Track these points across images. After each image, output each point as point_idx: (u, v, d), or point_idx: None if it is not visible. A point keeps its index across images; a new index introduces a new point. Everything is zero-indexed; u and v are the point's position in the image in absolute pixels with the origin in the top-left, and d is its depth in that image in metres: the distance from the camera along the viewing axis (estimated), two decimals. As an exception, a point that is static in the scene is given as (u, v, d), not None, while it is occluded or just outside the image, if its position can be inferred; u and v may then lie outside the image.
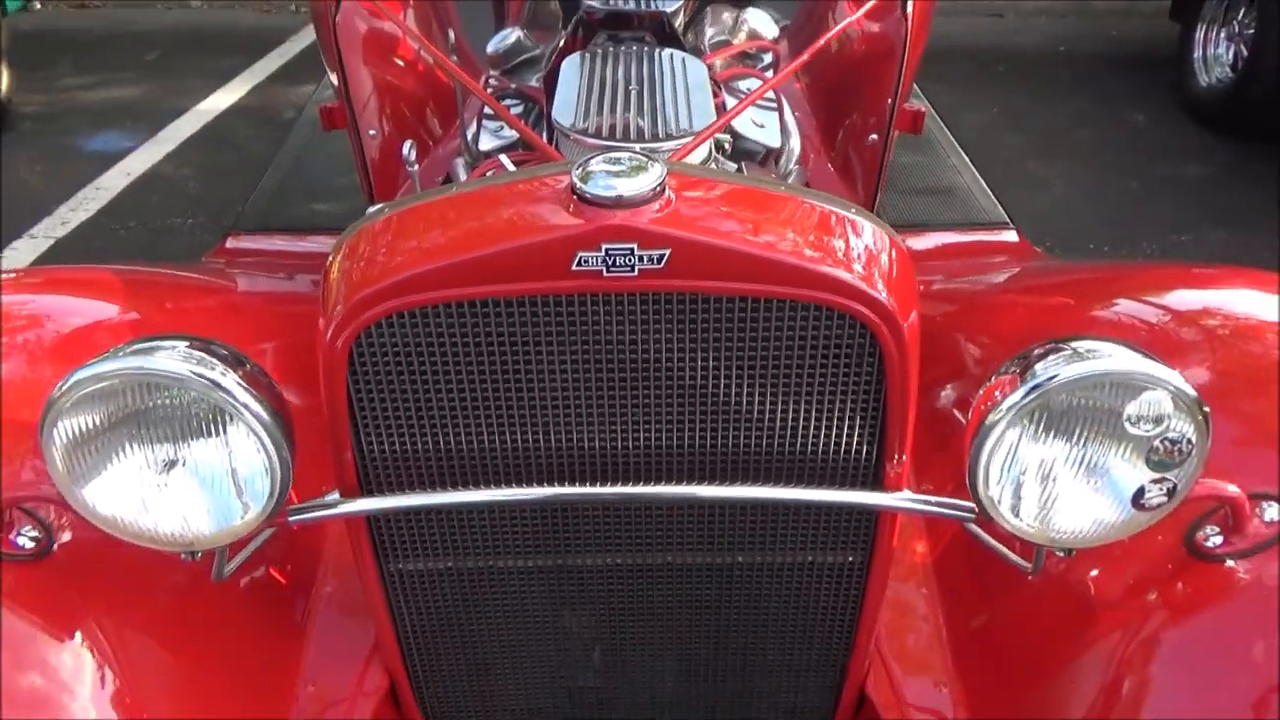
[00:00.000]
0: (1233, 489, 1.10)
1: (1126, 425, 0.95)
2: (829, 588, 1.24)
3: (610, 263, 0.95)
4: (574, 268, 0.96)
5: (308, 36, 5.52)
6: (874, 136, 2.10)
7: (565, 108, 1.55)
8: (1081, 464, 0.99)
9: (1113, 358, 0.94)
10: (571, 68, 1.69)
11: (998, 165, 4.06)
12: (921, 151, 3.17)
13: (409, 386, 1.05)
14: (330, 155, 2.97)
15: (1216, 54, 4.56)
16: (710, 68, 1.94)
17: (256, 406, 0.97)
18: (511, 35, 2.12)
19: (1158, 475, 0.98)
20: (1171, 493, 1.00)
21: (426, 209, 1.06)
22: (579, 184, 0.95)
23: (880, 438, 1.10)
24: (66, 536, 1.16)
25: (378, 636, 1.31)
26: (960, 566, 1.45)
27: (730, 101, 2.05)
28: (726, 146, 1.88)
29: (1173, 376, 0.95)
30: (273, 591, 1.37)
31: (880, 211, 2.58)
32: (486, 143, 1.93)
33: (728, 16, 2.38)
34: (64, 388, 0.93)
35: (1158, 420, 0.95)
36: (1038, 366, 0.97)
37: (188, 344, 0.99)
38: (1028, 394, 0.95)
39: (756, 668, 1.35)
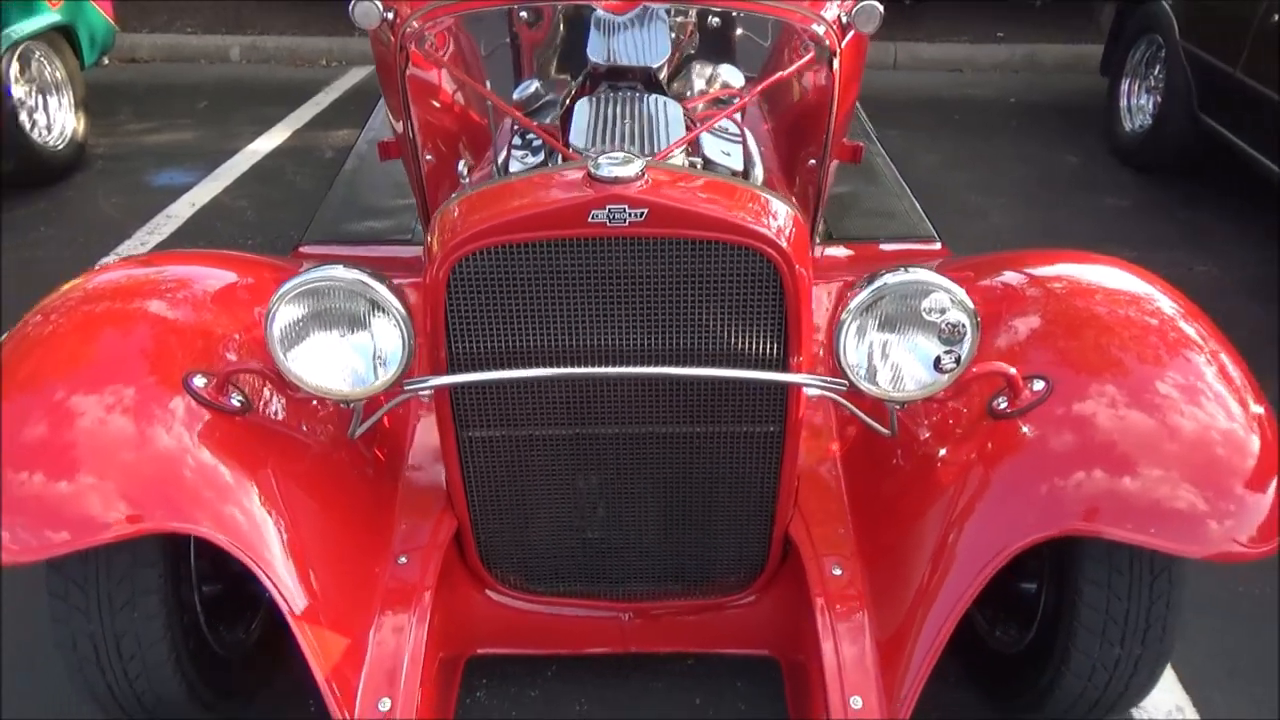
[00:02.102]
0: (1011, 370, 1.71)
1: (923, 314, 1.57)
2: (759, 452, 1.84)
3: (611, 217, 1.57)
4: (589, 220, 1.57)
5: (338, 89, 6.23)
6: (812, 161, 2.74)
7: (579, 134, 2.18)
8: (902, 342, 1.60)
9: (913, 273, 1.56)
10: (582, 108, 2.32)
11: (944, 197, 4.72)
12: (872, 183, 3.80)
13: (484, 303, 1.65)
14: (378, 182, 3.59)
15: (1139, 103, 5.24)
16: (690, 110, 2.57)
17: (397, 303, 1.58)
18: (531, 85, 2.74)
19: (947, 348, 1.59)
20: (958, 361, 1.60)
21: (494, 190, 1.67)
22: (592, 170, 1.57)
23: (784, 339, 1.70)
24: (259, 402, 1.76)
25: (450, 491, 1.89)
26: (859, 455, 2.04)
27: (705, 135, 2.68)
28: (698, 167, 2.51)
29: (951, 286, 1.56)
30: (379, 459, 1.97)
31: (825, 223, 3.21)
32: (514, 166, 2.56)
33: (707, 70, 3.03)
34: (284, 288, 1.54)
35: (942, 311, 1.56)
36: (875, 279, 1.58)
37: (350, 267, 1.60)
38: (867, 295, 1.56)
39: (713, 517, 1.93)
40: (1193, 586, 1.89)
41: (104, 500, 1.54)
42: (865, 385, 1.63)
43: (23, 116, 4.66)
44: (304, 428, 1.82)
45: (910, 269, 1.58)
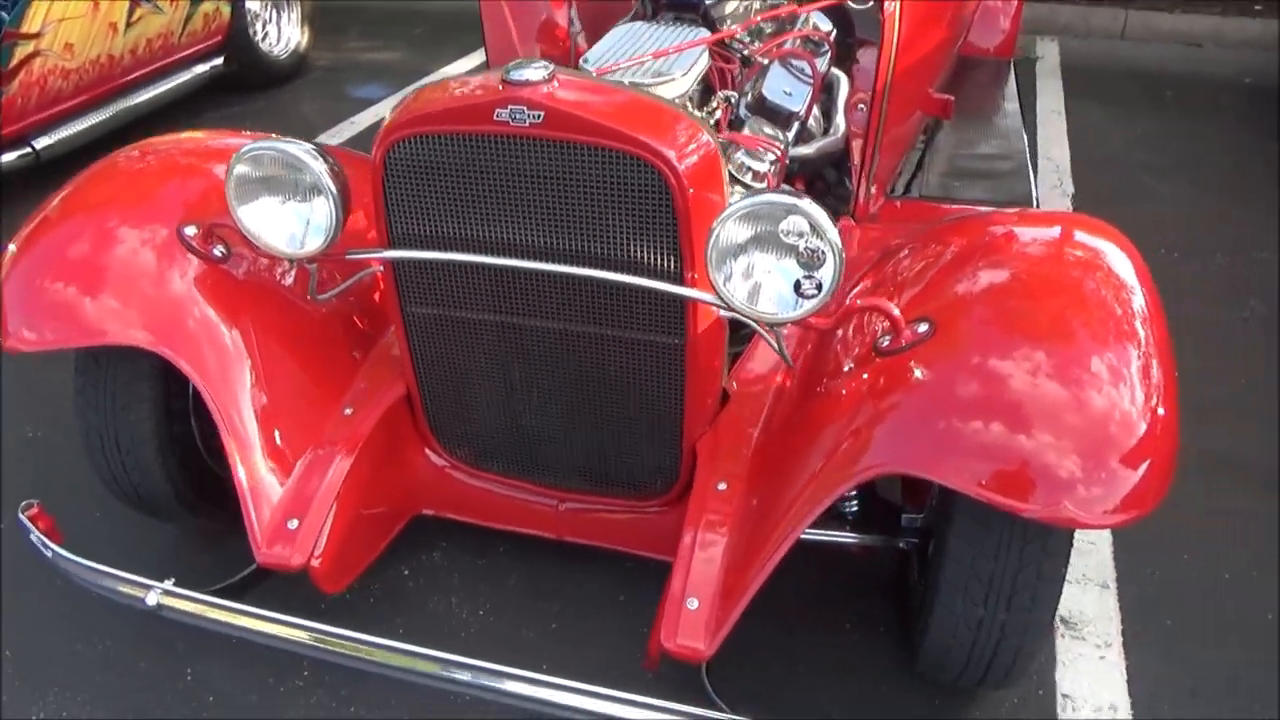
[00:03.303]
0: (894, 310, 1.69)
1: (782, 236, 1.59)
2: (663, 363, 1.92)
3: (512, 117, 1.71)
4: (494, 118, 1.72)
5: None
6: (861, 106, 2.70)
7: (596, 54, 2.31)
8: (766, 262, 1.63)
9: (779, 194, 1.58)
10: (616, 30, 2.44)
11: (1112, 176, 4.39)
12: (988, 144, 3.62)
13: (416, 187, 1.85)
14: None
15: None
16: (731, 42, 2.61)
17: (328, 181, 1.81)
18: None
19: (806, 273, 1.61)
20: (820, 288, 1.62)
21: (434, 85, 1.86)
22: (504, 75, 1.71)
23: (678, 254, 1.77)
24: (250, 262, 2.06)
25: (402, 360, 2.12)
26: (763, 389, 2.07)
27: (774, 74, 2.70)
28: (733, 99, 2.56)
29: (812, 210, 1.57)
30: (355, 327, 2.23)
31: (903, 176, 3.14)
32: None
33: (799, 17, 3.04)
34: (241, 152, 1.81)
35: (800, 235, 1.58)
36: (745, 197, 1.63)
37: (309, 145, 1.84)
38: (729, 210, 1.61)
39: (630, 423, 2.04)
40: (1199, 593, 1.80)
41: (95, 313, 1.90)
42: (732, 300, 1.68)
43: (256, 27, 5.35)
44: (284, 286, 2.11)
45: (787, 193, 1.60)
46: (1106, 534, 2.48)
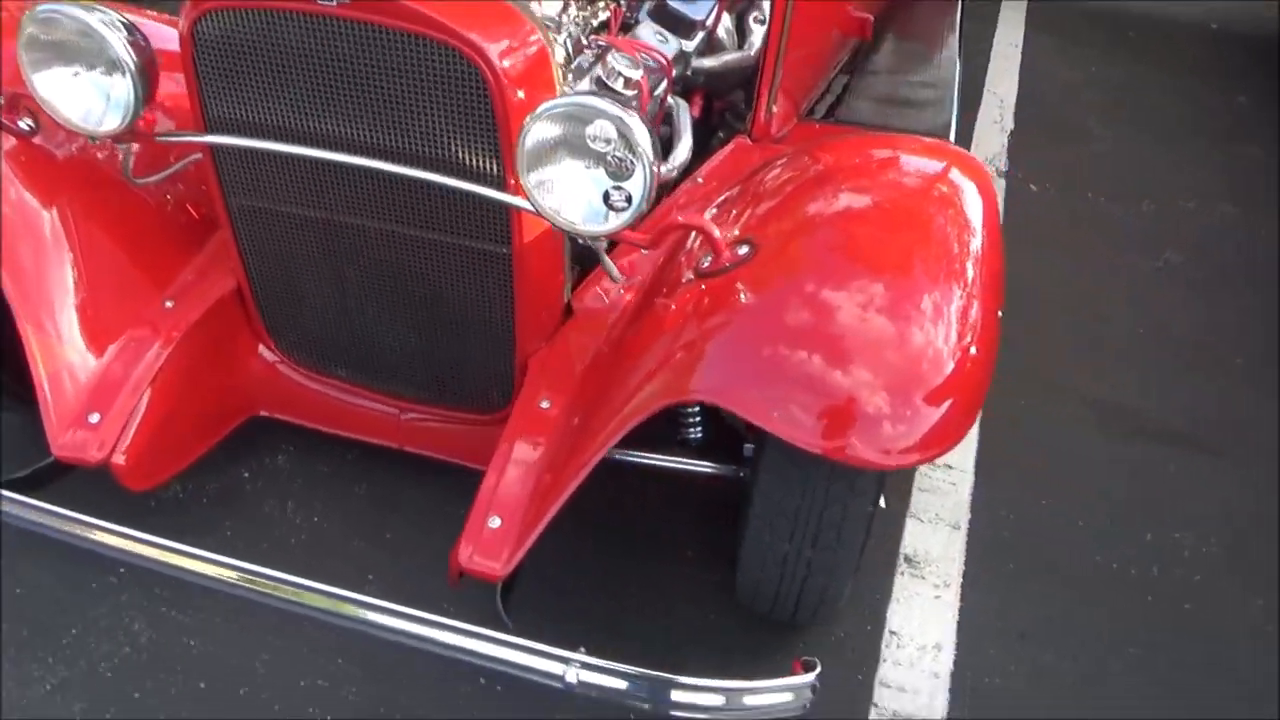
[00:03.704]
0: (715, 231, 1.60)
1: (590, 142, 1.49)
2: (491, 273, 1.83)
3: (328, -4, 1.58)
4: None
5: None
6: (756, 16, 2.57)
7: None
8: (575, 169, 1.53)
9: (590, 98, 1.47)
10: None
11: (1055, 117, 4.25)
12: (920, 72, 3.49)
13: (229, 66, 1.72)
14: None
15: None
16: None
17: (123, 54, 1.68)
18: None
19: (615, 184, 1.51)
20: (630, 200, 1.52)
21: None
22: None
23: (500, 157, 1.66)
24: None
25: (230, 254, 2.02)
26: (607, 307, 1.98)
27: None
28: (623, 2, 2.41)
29: (623, 116, 1.46)
30: (189, 216, 2.12)
31: (827, 98, 3.02)
32: None
33: None
34: (33, 12, 1.67)
35: (607, 141, 1.47)
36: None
37: (109, 11, 1.70)
38: (538, 111, 1.50)
39: (462, 333, 1.96)
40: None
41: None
42: (542, 207, 1.58)
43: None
44: (106, 168, 1.98)
45: (596, 95, 1.49)
46: (969, 474, 2.44)
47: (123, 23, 1.71)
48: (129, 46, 1.68)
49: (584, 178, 1.53)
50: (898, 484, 2.38)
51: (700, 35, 2.58)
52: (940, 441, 1.47)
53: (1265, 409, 2.69)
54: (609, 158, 1.49)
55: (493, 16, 1.63)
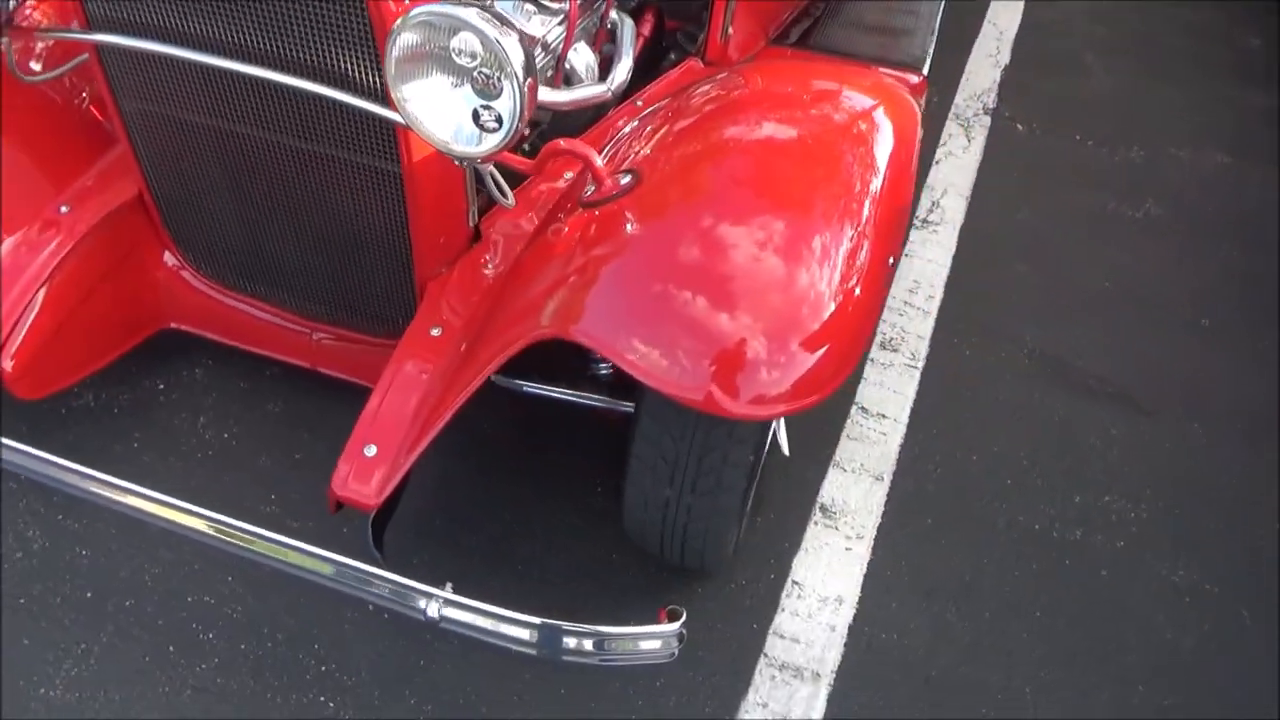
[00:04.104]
0: (596, 159, 1.52)
1: (454, 56, 1.39)
2: (383, 191, 1.75)
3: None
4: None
5: None
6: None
7: None
8: (444, 84, 1.44)
9: (456, 8, 1.37)
10: None
11: (1052, 50, 4.06)
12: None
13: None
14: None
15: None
16: None
17: None
18: None
19: (484, 103, 1.42)
20: (500, 121, 1.43)
21: None
22: None
23: (378, 65, 1.57)
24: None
25: (129, 160, 1.95)
26: (516, 234, 1.89)
27: None
28: None
29: (488, 32, 1.36)
30: (91, 118, 2.04)
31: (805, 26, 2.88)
32: None
33: None
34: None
35: (473, 56, 1.38)
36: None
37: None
38: (400, 22, 1.40)
39: (361, 253, 1.89)
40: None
41: None
42: (414, 123, 1.49)
43: None
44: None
45: (460, 7, 1.38)
46: (901, 425, 2.37)
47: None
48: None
49: (454, 95, 1.44)
50: (823, 430, 2.32)
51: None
52: (813, 390, 1.40)
53: (1224, 375, 2.60)
54: (475, 74, 1.40)
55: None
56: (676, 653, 1.53)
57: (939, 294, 2.75)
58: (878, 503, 2.20)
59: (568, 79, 2.15)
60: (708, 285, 1.40)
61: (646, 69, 2.54)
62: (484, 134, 1.46)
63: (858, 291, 1.44)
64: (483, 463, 2.19)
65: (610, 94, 2.06)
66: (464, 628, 1.54)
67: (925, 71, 2.87)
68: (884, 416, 2.39)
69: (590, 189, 1.55)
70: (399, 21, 1.41)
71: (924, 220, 3.01)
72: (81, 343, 2.00)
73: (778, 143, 1.59)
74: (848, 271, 1.44)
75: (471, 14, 1.37)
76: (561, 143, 1.54)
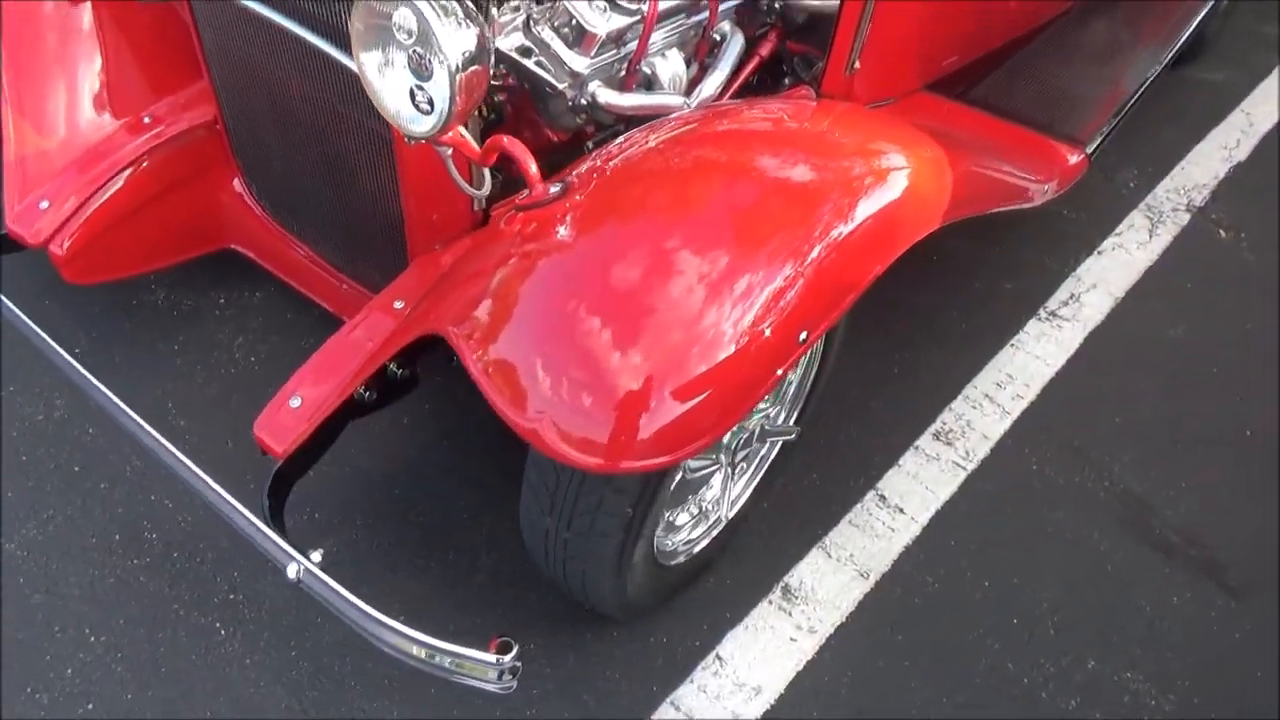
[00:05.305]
0: (531, 166, 1.45)
1: (395, 32, 1.37)
2: (382, 153, 1.76)
3: None
4: None
5: None
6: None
7: None
8: (395, 58, 1.41)
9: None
10: None
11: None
12: (1108, 68, 2.95)
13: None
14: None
15: None
16: None
17: None
18: None
19: (418, 83, 1.39)
20: (431, 104, 1.39)
21: None
22: None
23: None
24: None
25: (209, 89, 2.09)
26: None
27: None
28: None
29: (425, 10, 1.32)
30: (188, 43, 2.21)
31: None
32: None
33: None
34: None
35: (410, 34, 1.35)
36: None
37: None
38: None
39: (367, 211, 1.91)
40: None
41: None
42: (371, 91, 1.47)
43: None
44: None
45: None
46: (917, 525, 2.12)
47: None
48: None
49: (399, 71, 1.42)
50: (825, 504, 2.12)
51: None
52: (677, 447, 1.27)
53: (1354, 573, 2.13)
54: (410, 52, 1.37)
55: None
56: (512, 687, 1.45)
57: (1031, 395, 2.43)
58: (850, 601, 1.98)
59: (648, 85, 2.09)
60: (594, 316, 1.29)
61: (758, 91, 2.42)
62: (421, 115, 1.43)
63: (747, 356, 1.28)
64: (458, 444, 2.19)
65: (688, 107, 1.98)
66: (320, 599, 1.53)
67: (1090, 150, 2.54)
68: (901, 511, 2.14)
69: (525, 191, 1.48)
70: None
71: (1052, 313, 2.68)
72: (138, 242, 2.17)
73: (737, 175, 1.45)
74: (743, 334, 1.28)
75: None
76: (504, 139, 1.48)
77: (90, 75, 2.09)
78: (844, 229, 1.44)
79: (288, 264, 2.27)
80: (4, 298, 1.88)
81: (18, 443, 2.11)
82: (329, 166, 1.93)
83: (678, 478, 1.62)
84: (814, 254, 1.38)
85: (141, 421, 1.70)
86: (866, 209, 1.48)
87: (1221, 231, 3.06)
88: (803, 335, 1.34)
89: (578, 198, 1.43)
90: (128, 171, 2.06)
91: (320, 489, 2.03)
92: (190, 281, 2.45)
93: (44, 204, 2.01)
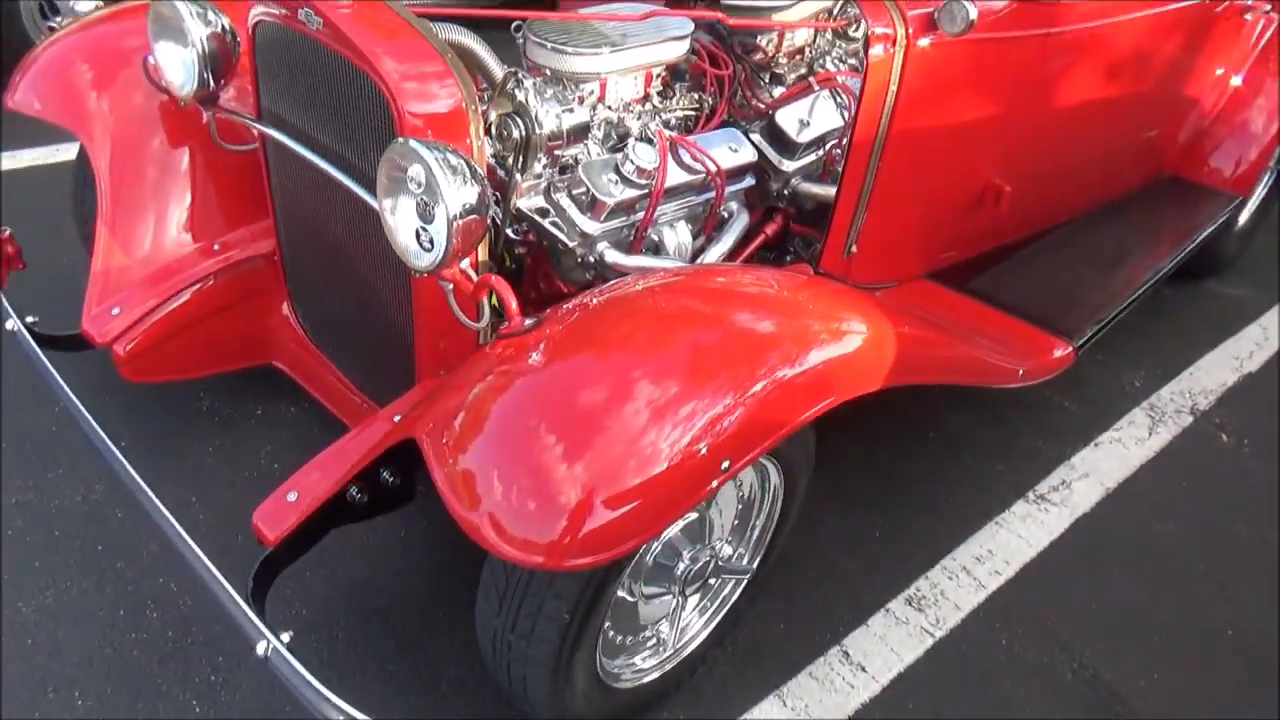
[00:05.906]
0: (512, 300, 1.66)
1: (408, 183, 1.62)
2: (402, 285, 2.01)
3: (306, 18, 1.89)
4: (298, 16, 1.91)
5: None
6: (838, 152, 2.50)
7: None
8: (405, 205, 1.67)
9: (414, 142, 1.61)
10: None
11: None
12: (1110, 276, 3.12)
13: (267, 62, 2.09)
14: None
15: None
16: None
17: (198, 39, 2.10)
18: None
19: (422, 225, 1.63)
20: (432, 244, 1.63)
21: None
22: None
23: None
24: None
25: (274, 224, 2.41)
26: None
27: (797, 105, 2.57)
28: (708, 103, 2.47)
29: (435, 165, 1.58)
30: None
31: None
32: None
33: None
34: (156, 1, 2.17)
35: (420, 185, 1.60)
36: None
37: (210, 8, 2.16)
38: (398, 143, 1.66)
39: (384, 337, 2.15)
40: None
41: (69, 103, 2.40)
42: (388, 230, 1.72)
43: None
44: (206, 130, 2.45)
45: (421, 143, 1.61)
46: (878, 685, 2.16)
47: (203, 12, 2.12)
48: (205, 30, 2.11)
49: (408, 214, 1.68)
50: (789, 656, 2.18)
51: (809, 157, 2.57)
52: (605, 548, 1.41)
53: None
54: (418, 200, 1.63)
55: (416, 55, 1.81)
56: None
57: (1010, 573, 2.49)
58: (807, 749, 2.02)
59: (655, 250, 2.34)
60: (542, 435, 1.46)
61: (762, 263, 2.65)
62: (424, 251, 1.67)
63: (677, 474, 1.43)
64: (444, 562, 2.32)
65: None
66: (283, 680, 1.65)
67: (1078, 345, 2.68)
68: (863, 669, 2.19)
69: (505, 322, 1.69)
70: (393, 145, 1.69)
71: (1040, 496, 2.75)
72: (192, 350, 2.44)
73: (705, 321, 1.63)
74: (676, 454, 1.44)
75: (422, 147, 1.60)
76: (492, 277, 1.71)
77: (178, 207, 2.42)
78: (787, 373, 1.60)
79: (321, 383, 2.52)
80: (68, 389, 2.13)
81: (54, 519, 2.32)
82: (359, 296, 2.19)
83: (617, 592, 1.73)
84: (753, 390, 1.54)
85: (163, 508, 1.88)
86: (812, 359, 1.65)
87: (1224, 435, 3.12)
88: (725, 464, 1.49)
89: (556, 329, 1.63)
90: (193, 288, 2.36)
91: (311, 590, 2.19)
92: (233, 392, 2.71)
93: (115, 310, 2.30)
